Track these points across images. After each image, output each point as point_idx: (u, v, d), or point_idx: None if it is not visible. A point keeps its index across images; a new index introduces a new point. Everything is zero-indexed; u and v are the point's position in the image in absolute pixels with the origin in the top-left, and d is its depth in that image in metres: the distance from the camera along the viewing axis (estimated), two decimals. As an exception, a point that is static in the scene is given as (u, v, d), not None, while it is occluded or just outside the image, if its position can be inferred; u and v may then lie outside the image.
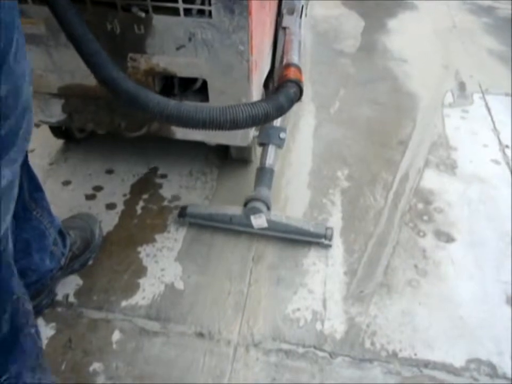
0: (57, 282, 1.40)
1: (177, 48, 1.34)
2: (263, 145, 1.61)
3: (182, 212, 1.59)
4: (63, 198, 1.69)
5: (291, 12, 1.76)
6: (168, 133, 1.56)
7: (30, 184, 1.16)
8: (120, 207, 1.67)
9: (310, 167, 1.88)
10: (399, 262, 1.52)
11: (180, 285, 1.43)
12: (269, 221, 1.51)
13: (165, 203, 1.70)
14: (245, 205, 1.51)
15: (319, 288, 1.44)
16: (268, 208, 1.50)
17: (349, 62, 2.60)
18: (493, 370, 1.25)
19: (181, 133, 1.55)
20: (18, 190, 0.82)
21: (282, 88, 1.34)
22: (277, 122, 1.63)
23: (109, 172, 1.82)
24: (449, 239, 1.60)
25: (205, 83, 1.42)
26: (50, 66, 1.43)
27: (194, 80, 1.46)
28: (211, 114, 1.14)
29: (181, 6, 1.25)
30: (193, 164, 1.86)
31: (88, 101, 1.51)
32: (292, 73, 1.40)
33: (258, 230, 1.54)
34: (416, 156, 1.95)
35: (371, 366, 1.26)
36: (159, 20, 1.29)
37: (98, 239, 1.50)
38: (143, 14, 1.27)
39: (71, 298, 1.39)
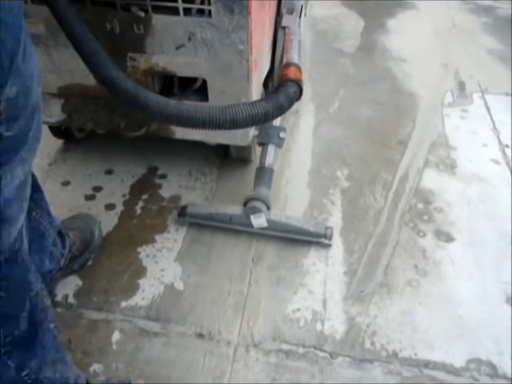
0: (57, 283, 1.40)
1: (177, 48, 1.33)
2: (263, 144, 1.61)
3: (182, 212, 1.59)
4: (62, 199, 1.69)
5: (290, 12, 1.75)
6: (167, 132, 1.56)
7: (29, 185, 1.15)
8: (120, 207, 1.67)
9: (310, 166, 1.88)
10: (399, 262, 1.52)
11: (179, 286, 1.43)
12: (268, 221, 1.50)
13: (165, 203, 1.69)
14: (245, 204, 1.50)
15: (319, 288, 1.44)
16: (268, 208, 1.50)
17: (349, 62, 2.60)
18: (493, 370, 1.25)
19: (180, 133, 1.55)
20: None
21: (282, 87, 1.34)
22: (277, 121, 1.63)
23: (109, 172, 1.81)
24: (449, 238, 1.60)
25: (204, 83, 1.42)
26: (50, 66, 1.43)
27: (193, 79, 1.46)
28: (211, 114, 1.13)
29: (180, 5, 1.24)
30: (193, 163, 1.86)
31: (87, 101, 1.51)
32: (291, 73, 1.40)
33: (258, 230, 1.54)
34: (416, 155, 1.95)
35: (371, 366, 1.26)
36: (158, 20, 1.28)
37: (97, 240, 1.50)
38: (142, 14, 1.27)
39: (71, 299, 1.39)
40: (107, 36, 1.32)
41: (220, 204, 1.68)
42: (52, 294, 1.36)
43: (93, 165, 1.84)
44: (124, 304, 1.38)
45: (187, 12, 1.26)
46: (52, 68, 1.43)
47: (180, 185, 1.77)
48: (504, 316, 1.38)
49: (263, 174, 1.56)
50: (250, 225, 1.52)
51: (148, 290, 1.41)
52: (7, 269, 0.77)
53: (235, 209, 1.54)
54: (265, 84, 1.68)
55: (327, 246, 1.54)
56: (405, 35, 2.90)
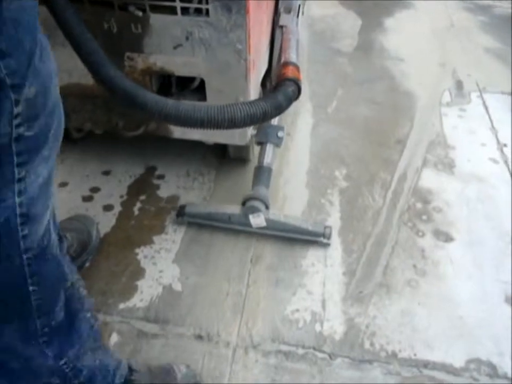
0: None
1: (175, 47, 1.33)
2: (261, 144, 1.60)
3: (181, 211, 1.58)
4: (60, 200, 1.67)
5: (288, 11, 1.75)
6: (165, 132, 1.55)
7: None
8: (118, 208, 1.66)
9: (308, 166, 1.87)
10: (398, 262, 1.51)
11: (178, 287, 1.42)
12: (267, 220, 1.50)
13: (163, 204, 1.68)
14: (243, 204, 1.50)
15: (318, 289, 1.43)
16: (266, 207, 1.50)
17: (346, 61, 2.59)
18: (493, 370, 1.25)
19: (178, 132, 1.54)
20: None
21: (281, 86, 1.33)
22: (275, 121, 1.63)
23: (106, 173, 1.80)
24: (448, 238, 1.60)
25: (202, 82, 1.41)
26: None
27: (191, 79, 1.45)
28: (209, 113, 1.13)
29: (178, 4, 1.24)
30: (191, 164, 1.85)
31: (85, 100, 1.51)
32: (290, 72, 1.40)
33: (257, 229, 1.53)
34: (414, 155, 1.95)
35: (371, 366, 1.25)
36: (156, 19, 1.28)
37: (95, 241, 1.49)
38: (140, 13, 1.26)
39: (68, 300, 1.38)
40: (105, 35, 1.32)
41: (218, 203, 1.67)
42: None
43: (91, 165, 1.83)
44: (121, 305, 1.37)
45: (185, 11, 1.26)
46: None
47: (178, 185, 1.76)
48: (503, 315, 1.38)
49: (262, 173, 1.55)
50: (249, 225, 1.51)
51: (146, 292, 1.40)
52: (38, 265, 0.79)
53: (234, 209, 1.53)
54: (263, 84, 1.68)
55: (326, 245, 1.54)
56: (402, 34, 2.90)
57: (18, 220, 0.73)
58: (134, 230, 1.59)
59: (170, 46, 1.33)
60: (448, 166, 1.90)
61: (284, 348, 1.28)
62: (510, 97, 2.33)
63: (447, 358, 1.27)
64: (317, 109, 2.20)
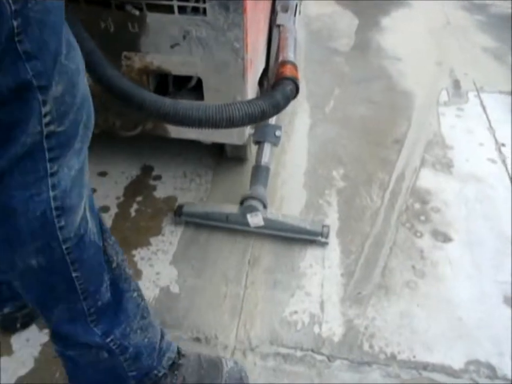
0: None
1: (172, 46, 1.32)
2: (259, 143, 1.59)
3: (178, 211, 1.57)
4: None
5: (285, 10, 1.74)
6: (163, 131, 1.54)
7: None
8: (114, 209, 1.64)
9: (305, 167, 1.86)
10: (397, 263, 1.51)
11: (175, 289, 1.41)
12: (265, 219, 1.49)
13: (159, 205, 1.67)
14: (241, 203, 1.49)
15: (316, 291, 1.42)
16: (264, 207, 1.49)
17: (343, 61, 2.58)
18: (492, 372, 1.24)
19: (176, 132, 1.53)
20: None
21: (279, 85, 1.33)
22: (272, 120, 1.62)
23: (102, 174, 1.78)
24: (446, 239, 1.59)
25: (199, 81, 1.40)
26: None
27: (189, 78, 1.44)
28: (207, 113, 1.13)
29: (175, 3, 1.23)
30: (188, 164, 1.84)
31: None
32: (288, 71, 1.39)
33: (255, 229, 1.52)
34: (412, 154, 1.94)
35: (370, 369, 1.24)
36: (153, 18, 1.27)
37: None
38: (137, 12, 1.26)
39: (64, 303, 1.36)
40: (102, 34, 1.30)
41: (216, 203, 1.66)
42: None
43: (86, 166, 1.81)
44: (118, 307, 1.35)
45: (182, 10, 1.25)
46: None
47: (175, 186, 1.74)
48: (502, 316, 1.37)
49: (259, 173, 1.54)
50: (247, 224, 1.50)
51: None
52: (77, 252, 0.82)
53: (232, 208, 1.52)
54: (261, 83, 1.67)
55: (324, 244, 1.53)
56: (399, 33, 2.89)
57: (54, 213, 0.76)
58: (131, 232, 1.57)
59: (168, 45, 1.32)
60: (446, 166, 1.89)
61: (282, 350, 1.27)
62: (507, 96, 2.32)
63: (446, 359, 1.26)
64: (314, 108, 2.19)
